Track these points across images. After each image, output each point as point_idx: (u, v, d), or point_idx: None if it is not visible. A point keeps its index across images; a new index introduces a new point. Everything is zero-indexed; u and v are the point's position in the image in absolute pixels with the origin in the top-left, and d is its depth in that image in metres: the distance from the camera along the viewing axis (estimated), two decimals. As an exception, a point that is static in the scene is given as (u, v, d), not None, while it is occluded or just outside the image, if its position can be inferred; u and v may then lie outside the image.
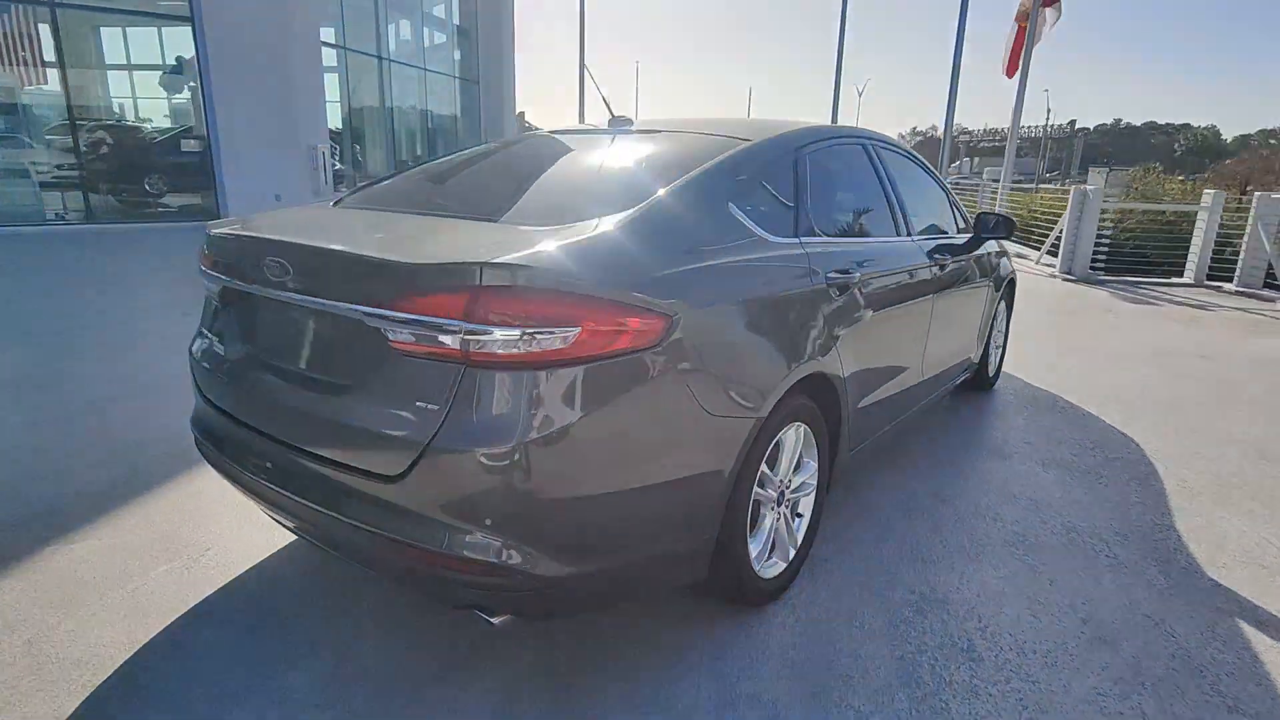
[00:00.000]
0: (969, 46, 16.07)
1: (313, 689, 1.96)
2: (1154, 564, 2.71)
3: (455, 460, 1.62)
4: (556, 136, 2.96)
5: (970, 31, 15.84)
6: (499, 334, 1.58)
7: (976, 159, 72.00)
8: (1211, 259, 9.91)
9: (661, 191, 2.07)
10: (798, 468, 2.41)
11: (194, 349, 2.38)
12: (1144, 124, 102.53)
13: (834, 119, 21.99)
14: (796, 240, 2.38)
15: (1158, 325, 7.23)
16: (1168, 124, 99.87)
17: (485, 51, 20.38)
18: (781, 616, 2.32)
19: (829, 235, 2.60)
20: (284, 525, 2.24)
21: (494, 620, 1.74)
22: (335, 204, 2.62)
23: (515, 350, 1.59)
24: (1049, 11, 15.58)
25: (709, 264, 1.98)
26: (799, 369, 2.21)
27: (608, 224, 1.89)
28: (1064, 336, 6.52)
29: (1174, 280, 10.09)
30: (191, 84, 12.34)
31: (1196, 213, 10.01)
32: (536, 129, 4.23)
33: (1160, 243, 10.56)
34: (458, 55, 20.03)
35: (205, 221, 2.47)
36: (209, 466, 2.27)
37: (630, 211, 1.95)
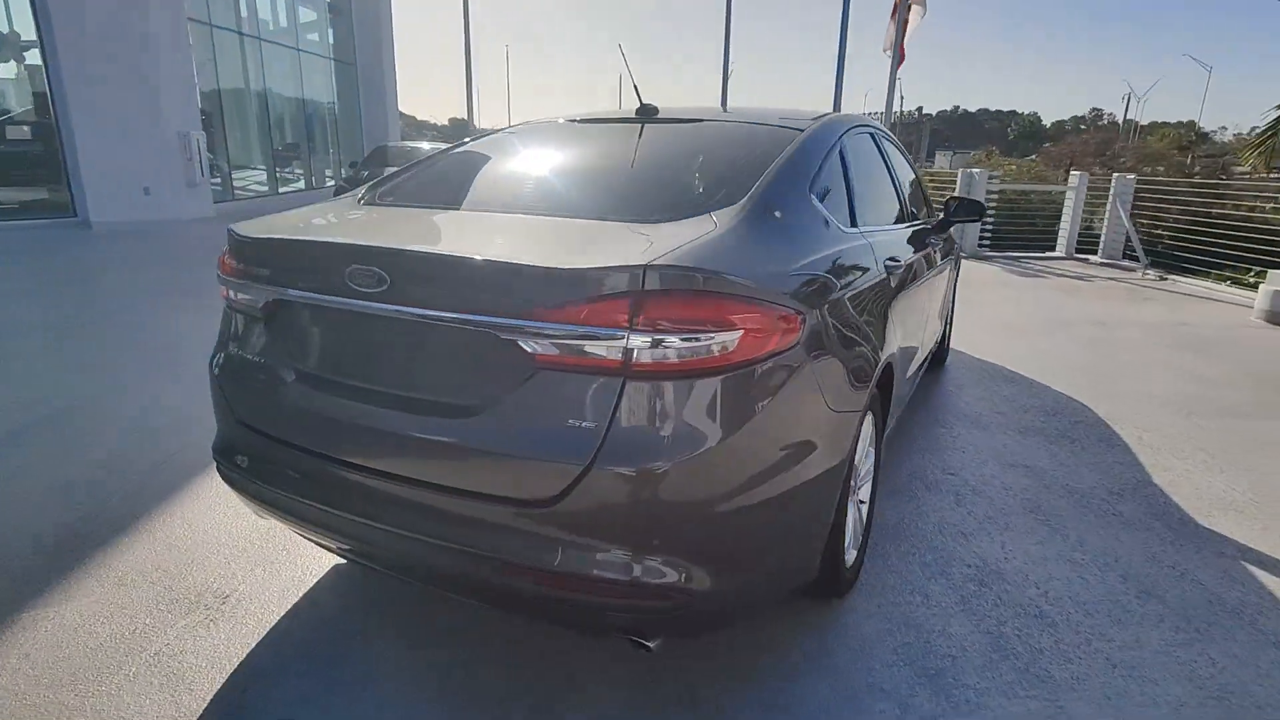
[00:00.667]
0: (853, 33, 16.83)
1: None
2: (1154, 518, 2.97)
3: (621, 480, 1.50)
4: (598, 124, 2.79)
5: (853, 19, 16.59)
6: (664, 341, 1.47)
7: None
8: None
9: (758, 186, 2.00)
10: (864, 455, 2.44)
11: (219, 367, 2.08)
12: (979, 110, 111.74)
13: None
14: (857, 230, 2.39)
15: (1051, 297, 7.93)
16: (998, 110, 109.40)
17: (361, 31, 19.18)
18: (864, 605, 2.34)
19: (871, 224, 2.63)
20: (357, 560, 2.02)
21: (650, 645, 1.64)
22: (364, 202, 2.36)
23: (680, 358, 1.49)
24: (916, 8, 16.60)
25: (812, 258, 1.95)
26: (882, 358, 2.23)
27: (727, 221, 1.80)
28: (978, 310, 7.01)
29: (1049, 254, 11.11)
30: (27, 60, 10.80)
31: (1065, 192, 11.07)
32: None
33: (1034, 220, 11.60)
34: (332, 35, 18.73)
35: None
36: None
37: (737, 208, 1.88)
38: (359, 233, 1.99)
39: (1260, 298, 6.85)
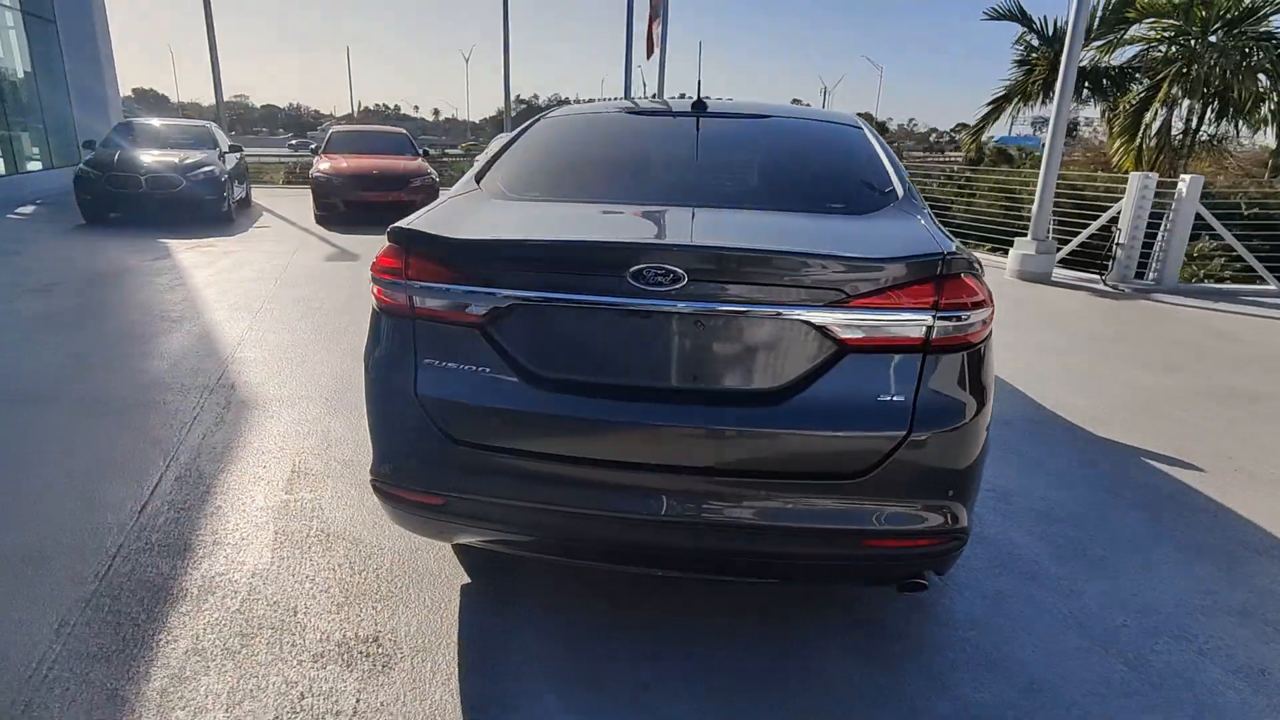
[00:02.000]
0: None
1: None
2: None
3: (930, 443, 1.72)
4: (671, 119, 2.82)
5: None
6: (954, 318, 1.72)
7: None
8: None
9: (901, 182, 2.29)
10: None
11: (423, 387, 1.85)
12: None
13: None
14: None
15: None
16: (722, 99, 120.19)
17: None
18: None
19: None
20: (593, 562, 2.00)
21: (926, 584, 1.88)
22: (511, 200, 2.22)
23: (960, 333, 1.74)
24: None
25: None
26: None
27: (917, 213, 2.07)
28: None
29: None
30: None
31: None
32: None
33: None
34: (16, -18, 15.03)
35: None
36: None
37: (914, 203, 2.15)
38: (615, 231, 1.96)
39: (1010, 260, 8.66)
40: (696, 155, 2.60)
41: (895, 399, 1.71)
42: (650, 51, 18.18)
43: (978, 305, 1.75)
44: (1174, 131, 10.32)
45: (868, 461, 1.71)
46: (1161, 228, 7.94)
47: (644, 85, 18.19)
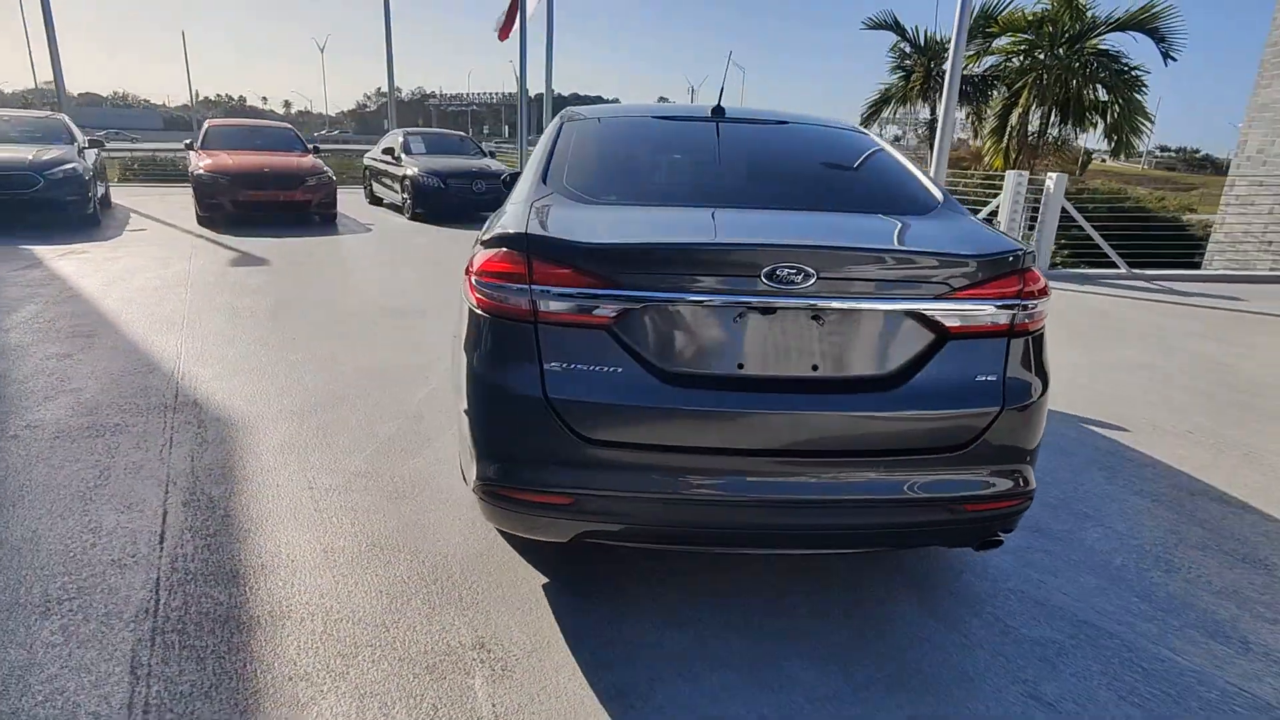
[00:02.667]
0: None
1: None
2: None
3: (1018, 415, 1.96)
4: (702, 123, 2.91)
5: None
6: (1029, 306, 1.96)
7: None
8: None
9: (937, 186, 2.53)
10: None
11: (553, 390, 1.86)
12: (570, 95, 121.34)
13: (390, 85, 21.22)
14: None
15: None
16: (588, 96, 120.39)
17: None
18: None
19: None
20: (737, 550, 2.22)
21: (1003, 540, 2.12)
22: (599, 203, 2.26)
23: (1031, 319, 2.00)
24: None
25: None
26: None
27: (965, 214, 2.31)
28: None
29: None
30: None
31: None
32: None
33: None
34: None
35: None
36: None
37: (945, 203, 2.39)
38: (742, 234, 2.09)
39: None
40: (746, 159, 2.75)
41: (989, 379, 1.94)
42: (505, 35, 17.79)
43: (1044, 294, 2.01)
44: (1030, 132, 11.73)
45: (969, 435, 1.93)
46: (1039, 219, 8.93)
47: (516, 77, 17.83)
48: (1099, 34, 11.01)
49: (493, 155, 13.51)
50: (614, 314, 1.86)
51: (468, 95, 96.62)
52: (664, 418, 1.89)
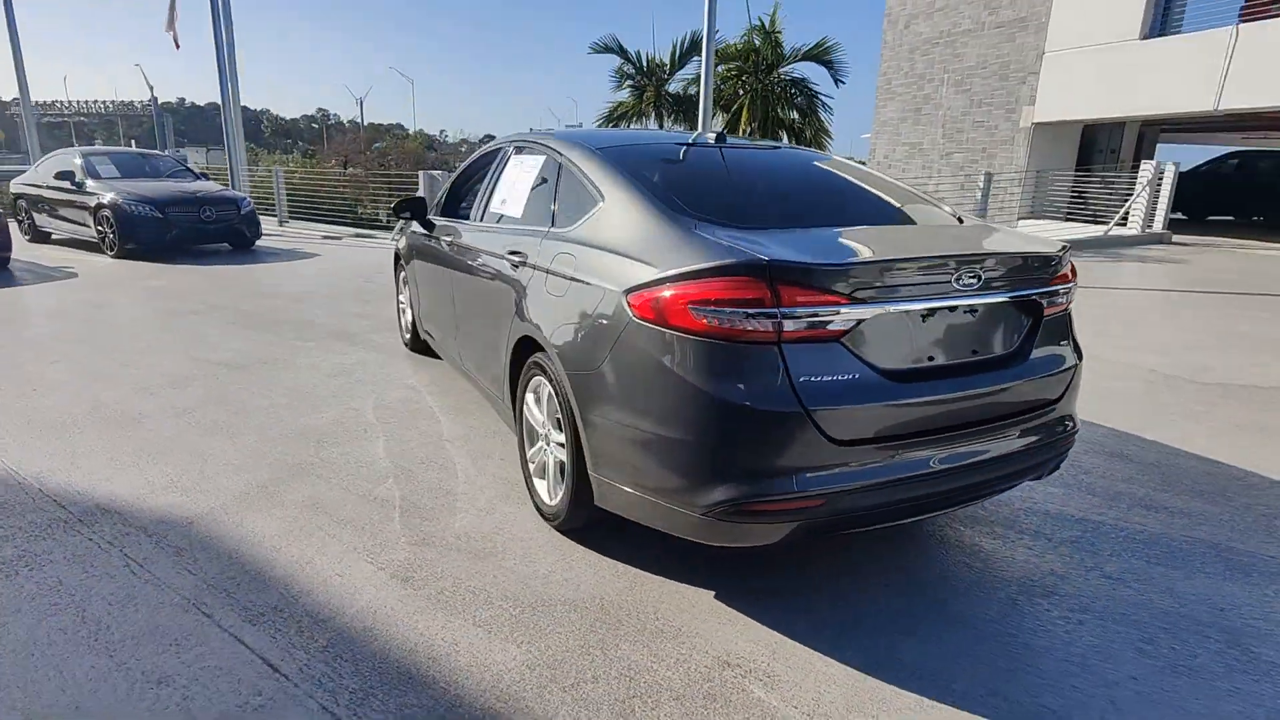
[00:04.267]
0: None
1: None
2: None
3: (1077, 372, 2.56)
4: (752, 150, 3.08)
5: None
6: (1068, 291, 2.53)
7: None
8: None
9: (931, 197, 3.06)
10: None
11: (815, 401, 2.01)
12: (207, 104, 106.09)
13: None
14: None
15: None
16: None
17: None
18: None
19: None
20: (928, 515, 2.51)
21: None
22: (733, 227, 2.31)
23: (1067, 301, 2.54)
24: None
25: None
26: None
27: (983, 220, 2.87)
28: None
29: None
30: None
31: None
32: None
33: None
34: None
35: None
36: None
37: (956, 213, 2.92)
38: (925, 247, 2.45)
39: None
40: (800, 182, 3.04)
41: (1066, 344, 2.54)
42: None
43: (1073, 282, 2.58)
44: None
45: (1061, 389, 2.47)
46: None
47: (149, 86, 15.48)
48: (787, 64, 13.25)
49: (205, 176, 11.48)
50: (849, 326, 2.06)
51: (67, 104, 78.62)
52: (892, 411, 2.12)
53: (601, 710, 1.88)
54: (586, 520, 2.58)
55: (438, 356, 4.78)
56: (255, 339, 5.50)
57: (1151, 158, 13.75)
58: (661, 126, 14.72)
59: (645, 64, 13.90)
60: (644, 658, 2.07)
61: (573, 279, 2.49)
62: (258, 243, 10.74)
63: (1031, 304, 2.37)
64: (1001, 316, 2.35)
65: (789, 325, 1.99)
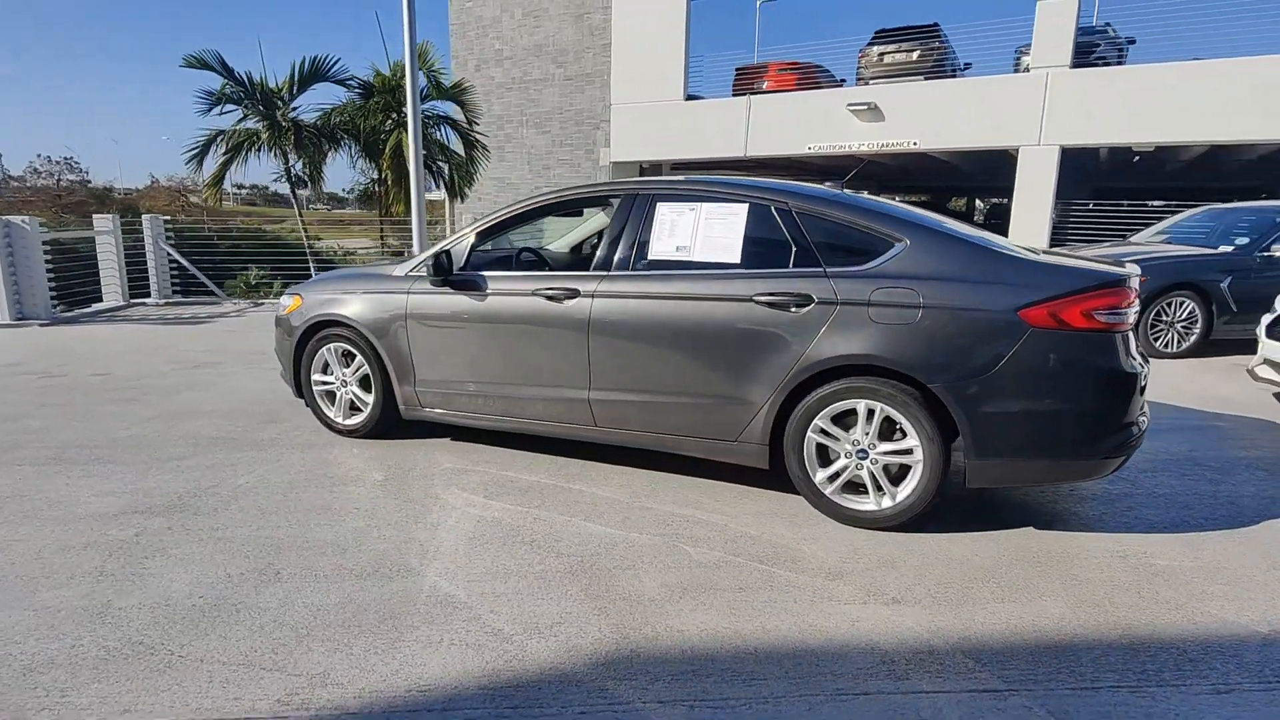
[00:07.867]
0: None
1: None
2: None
3: None
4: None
5: None
6: None
7: None
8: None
9: None
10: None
11: (1138, 369, 2.98)
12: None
13: None
14: None
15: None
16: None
17: None
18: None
19: None
20: None
21: None
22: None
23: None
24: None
25: None
26: None
27: None
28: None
29: (112, 305, 10.08)
30: None
31: (95, 237, 10.13)
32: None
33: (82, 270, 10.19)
34: None
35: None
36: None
37: None
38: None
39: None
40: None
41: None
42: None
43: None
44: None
45: None
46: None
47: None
48: (430, 100, 13.37)
49: None
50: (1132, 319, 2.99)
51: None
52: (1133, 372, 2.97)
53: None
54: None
55: (419, 431, 4.32)
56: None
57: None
58: (286, 160, 13.18)
59: (255, 87, 12.16)
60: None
61: (923, 306, 2.90)
62: None
63: None
64: None
65: (1129, 319, 2.89)
